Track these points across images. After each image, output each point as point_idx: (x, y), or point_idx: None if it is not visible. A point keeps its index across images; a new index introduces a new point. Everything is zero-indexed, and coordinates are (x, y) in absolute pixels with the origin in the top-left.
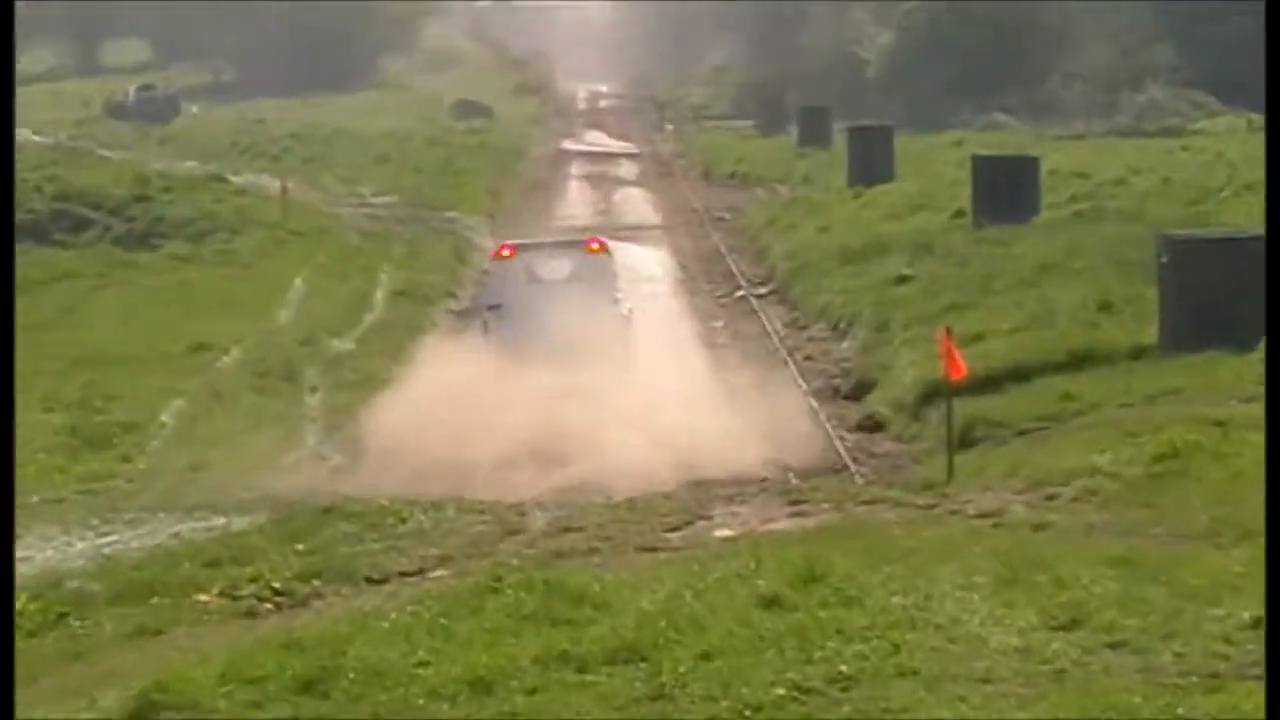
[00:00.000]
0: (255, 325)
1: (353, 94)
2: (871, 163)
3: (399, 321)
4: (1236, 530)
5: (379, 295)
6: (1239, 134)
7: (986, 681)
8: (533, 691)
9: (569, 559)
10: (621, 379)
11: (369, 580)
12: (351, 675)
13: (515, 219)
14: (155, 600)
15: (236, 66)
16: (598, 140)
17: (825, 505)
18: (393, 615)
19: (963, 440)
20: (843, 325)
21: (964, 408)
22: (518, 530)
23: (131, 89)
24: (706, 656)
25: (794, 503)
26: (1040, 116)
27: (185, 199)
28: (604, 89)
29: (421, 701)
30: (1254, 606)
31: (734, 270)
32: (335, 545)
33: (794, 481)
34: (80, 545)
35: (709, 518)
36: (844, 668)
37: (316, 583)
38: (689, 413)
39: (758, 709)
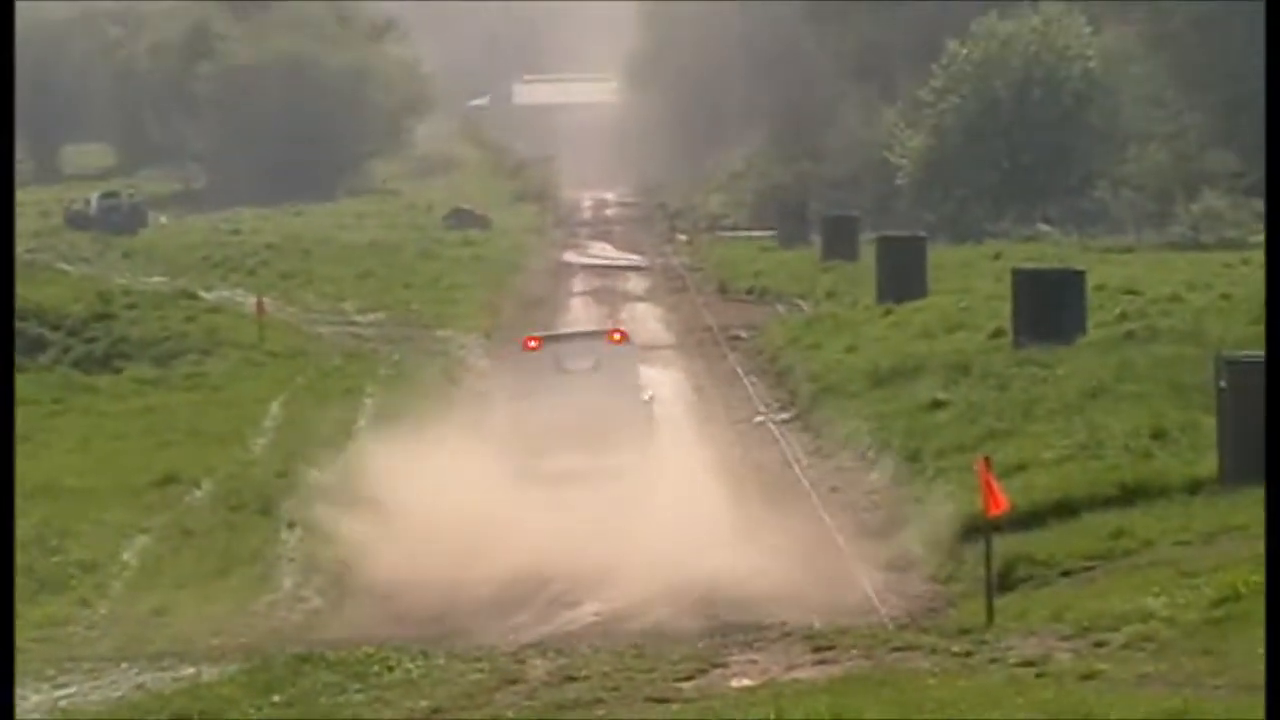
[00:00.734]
0: (227, 455)
1: (336, 201)
2: (903, 277)
3: (384, 450)
4: None
5: (363, 421)
6: None
7: None
8: None
9: (571, 711)
10: (633, 510)
11: None
12: None
13: (512, 338)
14: None
15: (209, 172)
16: (603, 252)
17: (853, 652)
18: None
19: (1003, 581)
20: (871, 454)
21: (1004, 545)
22: (516, 679)
23: (94, 197)
24: None
25: (819, 649)
26: (1086, 227)
27: (151, 317)
28: (610, 196)
29: None
30: None
31: (752, 394)
32: (314, 697)
33: (818, 625)
34: (35, 698)
35: (725, 665)
36: None
37: None
38: (704, 549)
39: None
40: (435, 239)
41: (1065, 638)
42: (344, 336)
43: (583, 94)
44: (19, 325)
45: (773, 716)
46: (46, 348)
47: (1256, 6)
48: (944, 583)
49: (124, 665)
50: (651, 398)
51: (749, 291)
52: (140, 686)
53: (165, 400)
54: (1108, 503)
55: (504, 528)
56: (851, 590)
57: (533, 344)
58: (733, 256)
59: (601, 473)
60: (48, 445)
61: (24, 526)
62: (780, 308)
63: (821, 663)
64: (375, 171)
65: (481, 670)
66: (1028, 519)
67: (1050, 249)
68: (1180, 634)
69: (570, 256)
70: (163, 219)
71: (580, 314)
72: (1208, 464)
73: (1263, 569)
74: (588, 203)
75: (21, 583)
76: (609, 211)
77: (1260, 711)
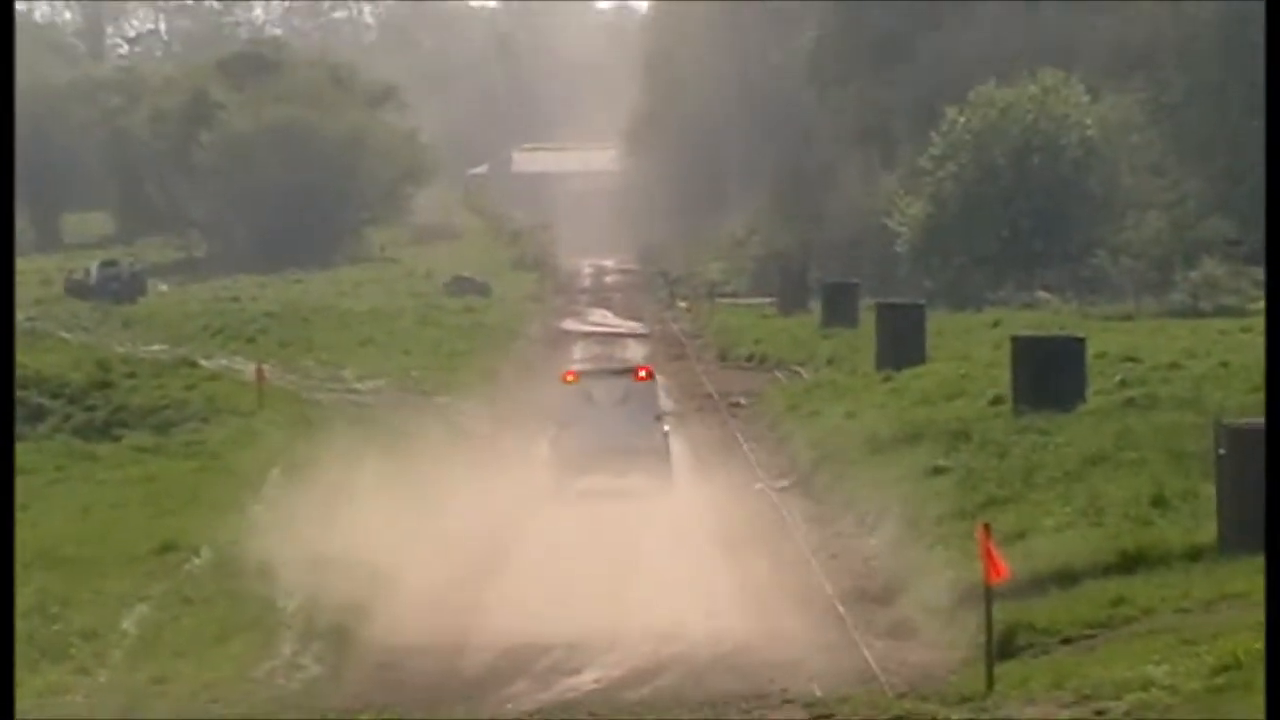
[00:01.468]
0: (227, 523)
1: (336, 269)
2: (902, 344)
3: (386, 519)
4: None
5: (363, 488)
6: None
7: None
8: None
9: None
10: (634, 578)
11: None
12: None
13: (513, 403)
14: None
15: (209, 240)
16: (603, 319)
17: None
18: None
19: (1003, 649)
20: (871, 521)
21: (1005, 613)
22: None
23: (94, 266)
24: None
25: (819, 716)
26: (1086, 294)
27: (151, 385)
28: (610, 263)
29: None
30: None
31: (752, 461)
32: None
33: (819, 693)
34: None
35: None
36: None
37: None
38: (704, 616)
39: None
40: (435, 306)
41: (1066, 705)
42: (344, 404)
43: (582, 161)
44: (20, 394)
45: None
46: (46, 416)
47: (1254, 76)
48: (944, 650)
49: None
50: (669, 431)
51: (749, 358)
52: None
53: (164, 468)
54: (1108, 570)
55: (497, 608)
56: (852, 657)
57: (570, 378)
58: (733, 323)
59: (624, 492)
60: (47, 513)
61: (24, 595)
62: (780, 374)
63: None
64: (374, 239)
65: None
66: (1028, 586)
67: (1050, 316)
68: (1182, 701)
69: (570, 324)
70: (162, 287)
71: None
72: (1207, 531)
73: (1263, 637)
74: (587, 269)
75: (22, 650)
76: (609, 278)
77: None
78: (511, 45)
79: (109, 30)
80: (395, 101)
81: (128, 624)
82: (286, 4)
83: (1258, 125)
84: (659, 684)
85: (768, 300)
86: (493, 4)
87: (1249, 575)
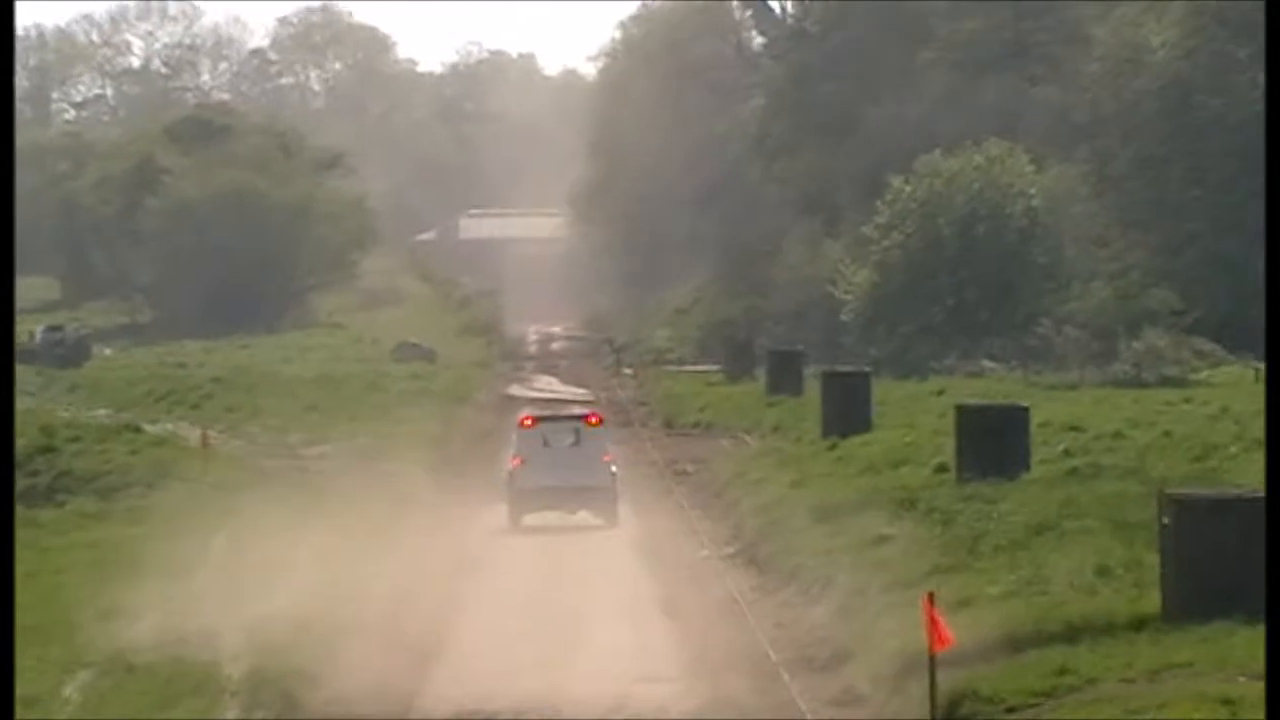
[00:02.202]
0: (171, 589)
1: (283, 334)
2: (848, 411)
3: (329, 584)
4: None
5: (307, 554)
6: (1245, 385)
7: None
8: None
9: None
10: (578, 644)
11: None
12: None
13: (459, 469)
14: None
15: (155, 305)
16: (549, 386)
17: None
18: None
19: (948, 717)
20: (816, 590)
21: (949, 681)
22: None
23: (38, 330)
24: None
25: None
26: (1030, 363)
27: (95, 451)
28: (557, 329)
29: None
30: None
31: (698, 529)
32: None
33: None
34: None
35: None
36: None
37: None
38: (649, 685)
39: None
40: (382, 372)
41: None
42: (289, 470)
43: (529, 228)
44: None
45: None
46: None
47: (1195, 147)
48: (890, 718)
49: None
50: (616, 472)
51: (695, 425)
52: None
53: (108, 534)
54: (1052, 639)
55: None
56: None
57: (528, 422)
58: (679, 390)
59: (574, 527)
60: None
61: None
62: (726, 442)
63: None
64: (321, 304)
65: None
66: (973, 655)
67: (994, 385)
68: None
69: (516, 390)
70: (107, 352)
71: None
72: (1151, 601)
73: (1207, 707)
74: (534, 336)
75: None
76: (555, 345)
77: None
78: (458, 111)
79: (55, 95)
80: (342, 167)
81: (70, 690)
82: (234, 69)
83: (1199, 195)
84: None
85: (714, 368)
86: (439, 70)
87: (1193, 645)
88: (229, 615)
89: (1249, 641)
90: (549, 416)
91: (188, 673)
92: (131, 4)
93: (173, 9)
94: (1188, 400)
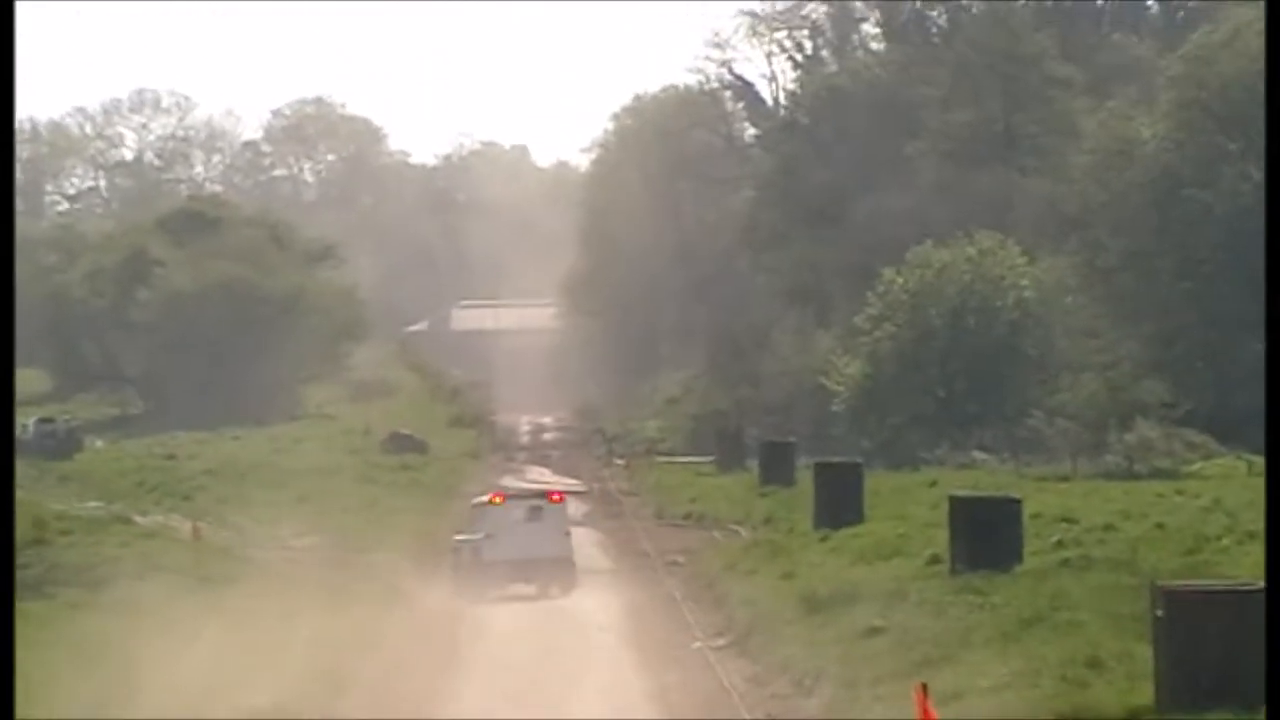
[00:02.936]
0: (156, 681)
1: (274, 426)
2: (839, 503)
3: (318, 673)
4: None
5: (296, 648)
6: (1238, 477)
7: None
8: None
9: None
10: None
11: None
12: None
13: (447, 564)
14: None
15: (145, 397)
16: (541, 477)
17: None
18: None
19: None
20: (808, 681)
21: None
22: None
23: (30, 422)
24: None
25: None
26: (1022, 455)
27: (86, 543)
28: (548, 420)
29: None
30: None
31: (689, 620)
32: None
33: None
34: None
35: None
36: None
37: None
38: None
39: None
40: (373, 464)
41: None
42: (279, 562)
43: (520, 318)
44: None
45: None
46: None
47: (1184, 239)
48: None
49: None
50: (572, 545)
51: (686, 516)
52: None
53: (95, 626)
54: None
55: None
56: None
57: (497, 499)
58: (670, 481)
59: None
60: None
61: None
62: (717, 533)
63: None
64: (312, 395)
65: None
66: None
67: (986, 476)
68: None
69: (508, 481)
70: (98, 444)
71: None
72: (1144, 693)
73: None
74: (525, 427)
75: None
76: (546, 436)
77: None
78: (450, 202)
79: (49, 188)
80: (334, 259)
81: None
82: (227, 161)
83: (1189, 287)
84: None
85: (705, 459)
86: (432, 161)
87: None
88: (217, 705)
89: None
90: (516, 493)
91: None
92: (125, 96)
93: (166, 101)
94: (1180, 492)
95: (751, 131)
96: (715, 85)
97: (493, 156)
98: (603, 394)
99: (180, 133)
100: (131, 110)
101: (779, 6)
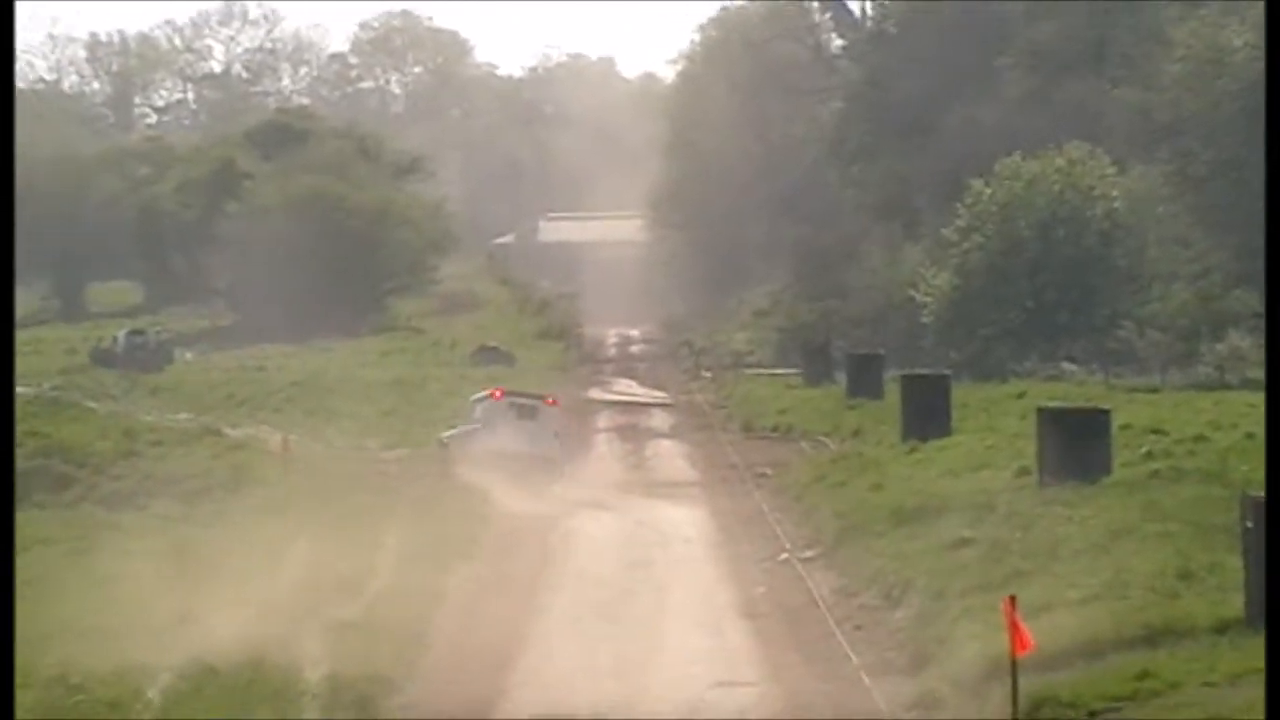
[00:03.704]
0: (252, 594)
1: (362, 339)
2: (927, 415)
3: (410, 588)
4: None
5: (387, 558)
6: None
7: None
8: None
9: None
10: (653, 650)
11: None
12: None
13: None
14: None
15: (235, 310)
16: (628, 389)
17: None
18: None
19: None
20: (896, 593)
21: (1030, 686)
22: None
23: (121, 335)
24: None
25: None
26: (1111, 366)
27: (177, 454)
28: (635, 333)
29: None
30: None
31: (777, 532)
32: None
33: None
34: None
35: None
36: None
37: None
38: (729, 687)
39: None
40: (460, 376)
41: None
42: (369, 474)
43: (607, 231)
44: (44, 463)
45: None
46: (72, 485)
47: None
48: None
49: None
50: (560, 442)
51: (774, 429)
52: None
53: (190, 537)
54: (1133, 644)
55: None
56: None
57: (498, 394)
58: (758, 394)
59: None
60: (64, 585)
61: (46, 665)
62: (805, 445)
63: None
64: (400, 309)
65: None
66: (1053, 659)
67: (1075, 388)
68: None
69: (595, 393)
70: (188, 356)
71: (605, 450)
72: (1234, 605)
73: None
74: (613, 339)
75: None
76: (634, 348)
77: None
78: (537, 114)
79: (137, 100)
80: (421, 172)
81: (152, 694)
82: (314, 73)
83: None
84: None
85: (793, 371)
86: (518, 74)
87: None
88: (308, 620)
89: None
90: (515, 393)
91: (267, 677)
92: (213, 8)
93: (254, 13)
94: None
95: (838, 43)
96: None
97: (579, 68)
98: (689, 307)
99: (268, 45)
100: (220, 23)
101: None
